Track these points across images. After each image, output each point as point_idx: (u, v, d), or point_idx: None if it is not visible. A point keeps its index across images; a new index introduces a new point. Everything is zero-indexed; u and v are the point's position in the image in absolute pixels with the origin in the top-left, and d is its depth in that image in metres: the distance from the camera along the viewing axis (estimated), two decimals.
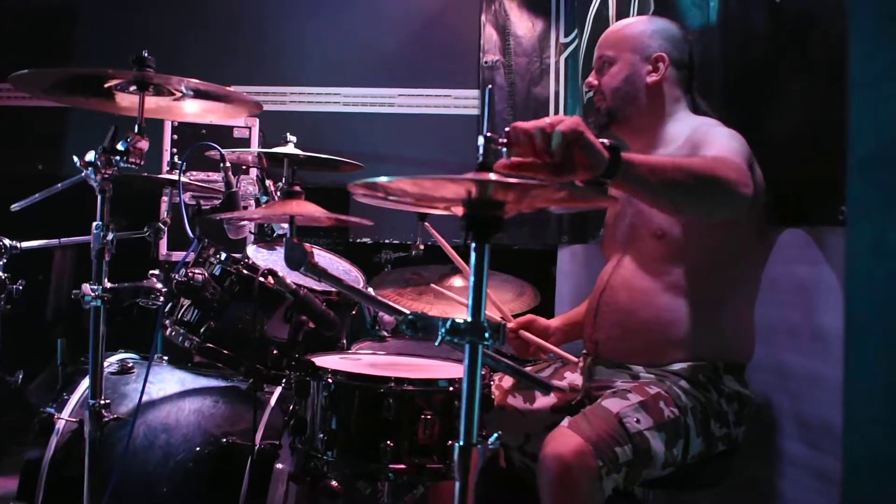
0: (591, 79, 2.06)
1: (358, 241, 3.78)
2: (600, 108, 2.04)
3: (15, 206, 2.23)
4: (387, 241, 3.68)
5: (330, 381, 1.74)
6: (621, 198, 2.04)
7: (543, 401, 2.02)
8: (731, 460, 1.91)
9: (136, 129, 1.75)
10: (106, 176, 1.74)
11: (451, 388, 1.72)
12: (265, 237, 2.45)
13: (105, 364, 2.17)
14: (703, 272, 1.84)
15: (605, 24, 3.03)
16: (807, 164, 1.85)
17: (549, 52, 3.78)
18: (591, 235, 3.50)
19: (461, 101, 3.94)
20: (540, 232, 3.81)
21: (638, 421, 1.73)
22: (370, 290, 2.50)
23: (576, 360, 1.82)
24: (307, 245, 1.54)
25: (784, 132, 1.96)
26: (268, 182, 2.60)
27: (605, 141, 1.51)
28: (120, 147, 1.74)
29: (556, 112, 3.77)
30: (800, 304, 1.98)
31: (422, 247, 2.97)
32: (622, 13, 2.90)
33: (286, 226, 1.69)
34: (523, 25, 3.81)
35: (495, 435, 1.34)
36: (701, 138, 1.87)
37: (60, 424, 2.02)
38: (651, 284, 1.91)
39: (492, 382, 1.86)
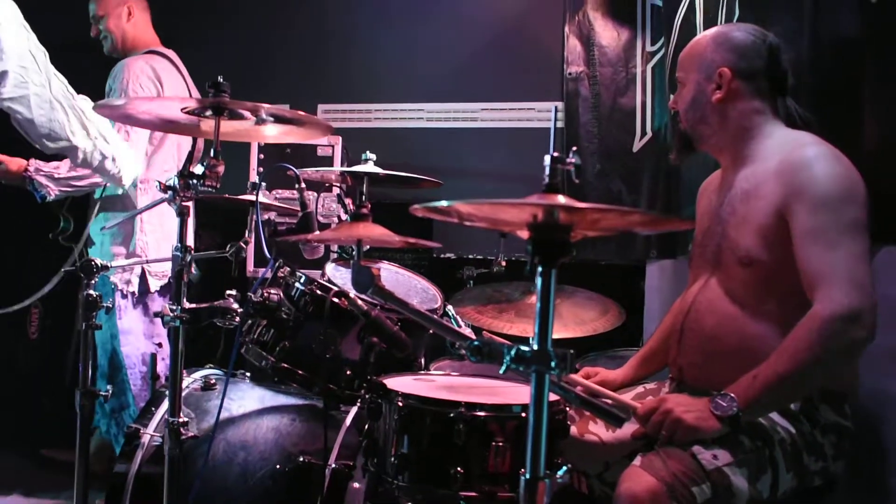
0: (672, 102, 2.03)
1: (441, 256, 3.75)
2: (681, 130, 2.00)
3: (104, 228, 2.33)
4: (470, 256, 3.64)
5: (400, 404, 1.72)
6: (709, 216, 1.95)
7: (626, 428, 1.92)
8: (827, 497, 1.79)
9: (212, 153, 1.78)
10: (185, 199, 1.78)
11: (523, 414, 1.67)
12: (344, 255, 2.47)
13: (190, 380, 2.24)
14: (795, 299, 1.69)
15: (693, 30, 2.92)
16: None
17: (634, 61, 3.66)
18: (680, 250, 3.37)
19: (545, 115, 3.87)
20: (627, 247, 3.69)
21: (715, 457, 1.63)
22: (450, 307, 2.48)
23: (631, 410, 1.75)
24: (374, 268, 1.53)
25: (880, 141, 1.83)
26: (347, 200, 2.62)
27: (722, 407, 1.65)
28: (198, 170, 1.77)
29: (643, 122, 3.64)
30: None
31: (503, 263, 2.93)
32: (710, 18, 2.78)
33: None
34: (608, 35, 3.71)
35: (564, 468, 1.29)
36: (795, 187, 1.71)
37: (146, 439, 2.08)
38: (739, 311, 1.80)
39: (567, 408, 1.79)
